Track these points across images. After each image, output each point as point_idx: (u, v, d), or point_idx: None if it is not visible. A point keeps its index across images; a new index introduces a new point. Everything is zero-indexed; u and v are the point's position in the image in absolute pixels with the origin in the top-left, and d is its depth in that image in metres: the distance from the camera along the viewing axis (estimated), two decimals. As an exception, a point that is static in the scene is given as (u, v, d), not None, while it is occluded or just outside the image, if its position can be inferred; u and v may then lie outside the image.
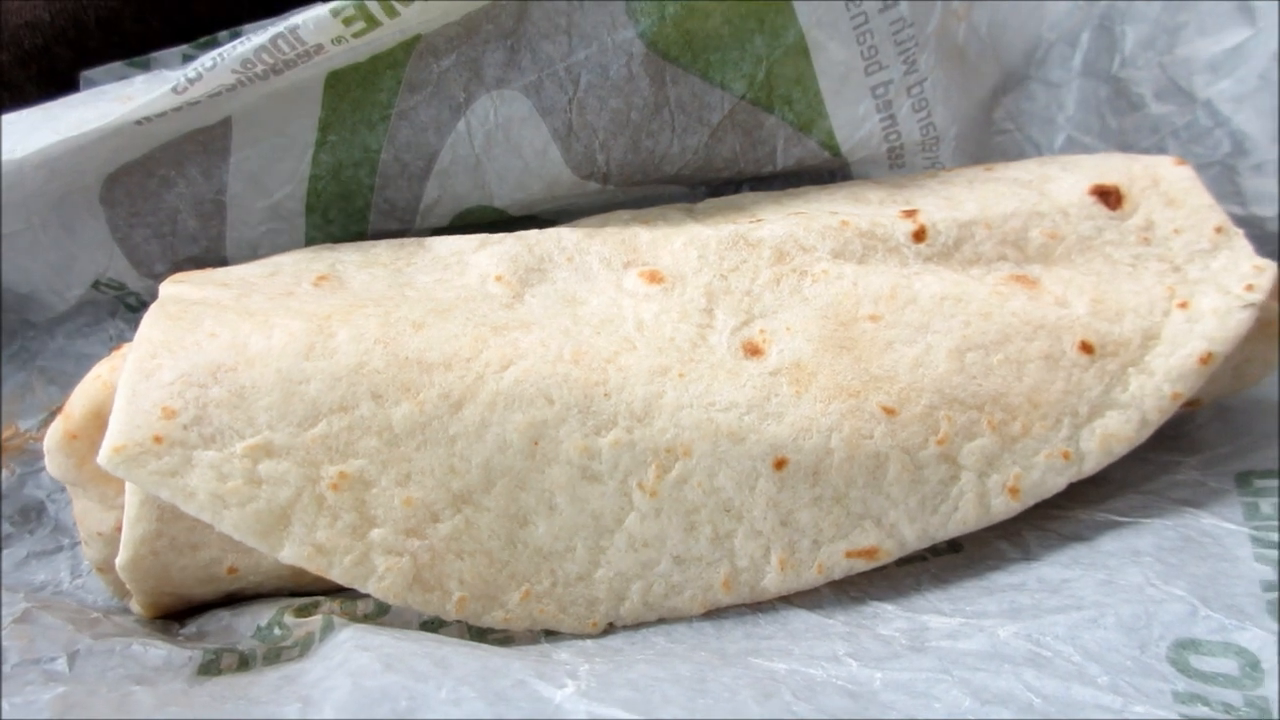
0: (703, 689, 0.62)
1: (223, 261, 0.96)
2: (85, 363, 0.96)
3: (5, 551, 0.87)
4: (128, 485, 0.72)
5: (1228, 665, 0.64)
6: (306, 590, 0.78)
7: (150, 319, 0.73)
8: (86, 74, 0.96)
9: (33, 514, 0.91)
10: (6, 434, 0.96)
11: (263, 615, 0.75)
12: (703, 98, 0.95)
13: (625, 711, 0.59)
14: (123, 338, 0.99)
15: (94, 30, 0.97)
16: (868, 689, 0.63)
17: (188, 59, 0.94)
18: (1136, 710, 0.60)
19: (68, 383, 0.96)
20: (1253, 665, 0.64)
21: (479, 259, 0.82)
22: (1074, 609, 0.70)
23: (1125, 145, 1.05)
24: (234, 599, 0.79)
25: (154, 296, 0.80)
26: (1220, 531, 0.76)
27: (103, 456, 0.67)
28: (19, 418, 0.97)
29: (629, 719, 0.58)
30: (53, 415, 0.96)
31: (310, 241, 0.97)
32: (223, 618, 0.77)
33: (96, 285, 0.97)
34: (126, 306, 0.99)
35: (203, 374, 0.70)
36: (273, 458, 0.69)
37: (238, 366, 0.70)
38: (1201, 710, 0.61)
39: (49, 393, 0.98)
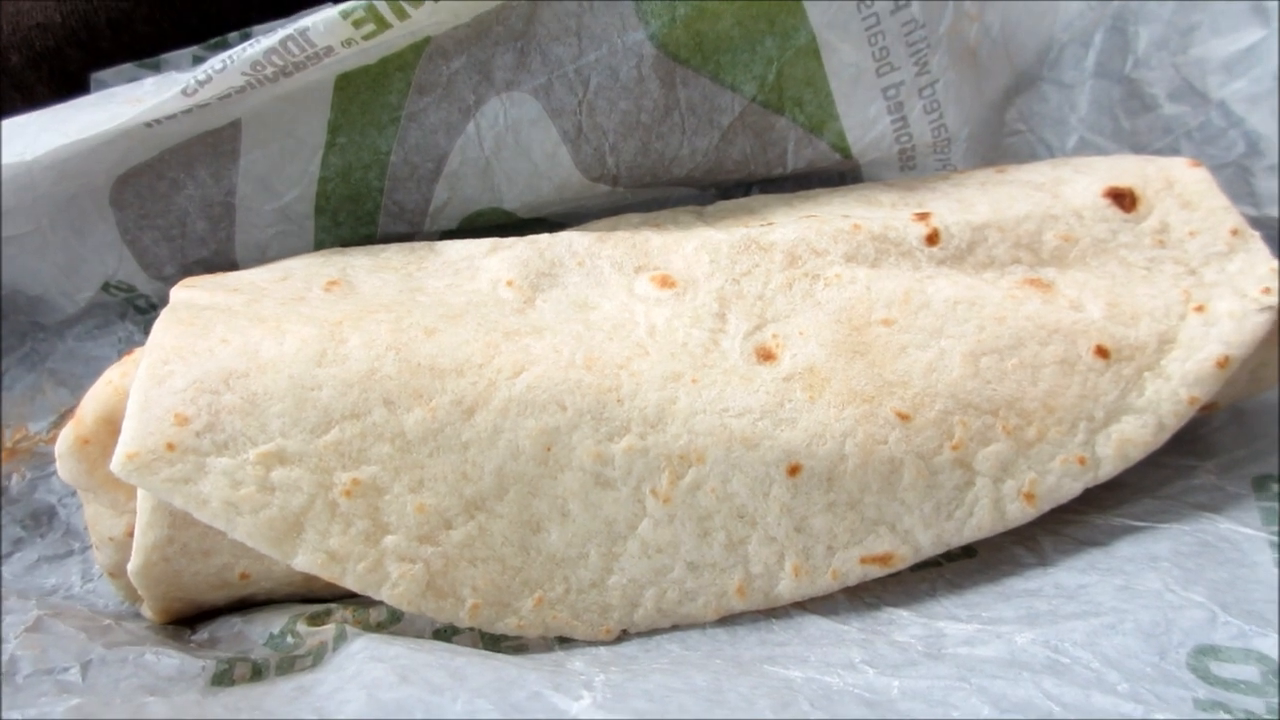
0: (720, 699, 0.62)
1: (232, 264, 0.95)
2: (95, 365, 0.95)
3: (16, 555, 0.87)
4: (140, 491, 0.71)
5: (1249, 672, 0.63)
6: (318, 597, 0.77)
7: (162, 325, 0.73)
8: (97, 75, 0.96)
9: (43, 518, 0.91)
10: (16, 437, 0.95)
11: (275, 623, 0.75)
12: (713, 99, 0.94)
13: (642, 723, 0.59)
14: (132, 340, 0.99)
15: (105, 32, 0.97)
16: (885, 698, 0.63)
17: (198, 61, 0.94)
18: (1158, 718, 0.60)
19: (77, 385, 0.97)
20: (1274, 672, 0.63)
21: (490, 263, 0.82)
22: (1092, 615, 0.69)
23: (1138, 146, 1.04)
24: (246, 605, 0.79)
25: (163, 299, 0.80)
26: (1238, 537, 0.75)
27: (116, 464, 0.67)
28: (29, 420, 0.97)
29: (646, 731, 0.58)
30: (63, 418, 0.96)
31: (319, 244, 0.96)
32: (234, 624, 0.77)
33: (106, 288, 0.96)
34: (136, 309, 0.99)
35: (215, 380, 0.69)
36: (285, 465, 0.68)
37: (250, 373, 0.70)
38: (1224, 717, 0.60)
39: (58, 395, 0.98)
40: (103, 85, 0.95)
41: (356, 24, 0.81)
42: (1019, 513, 0.75)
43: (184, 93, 0.81)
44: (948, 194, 0.89)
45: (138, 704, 0.62)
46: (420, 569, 0.69)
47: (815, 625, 0.73)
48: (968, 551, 0.79)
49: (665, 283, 0.80)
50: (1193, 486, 0.83)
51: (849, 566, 0.74)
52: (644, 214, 0.92)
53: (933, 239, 0.83)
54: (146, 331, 0.75)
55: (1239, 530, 0.76)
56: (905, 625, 0.72)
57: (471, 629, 0.72)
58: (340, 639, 0.69)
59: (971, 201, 0.87)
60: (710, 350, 0.76)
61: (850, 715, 0.61)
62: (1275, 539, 0.74)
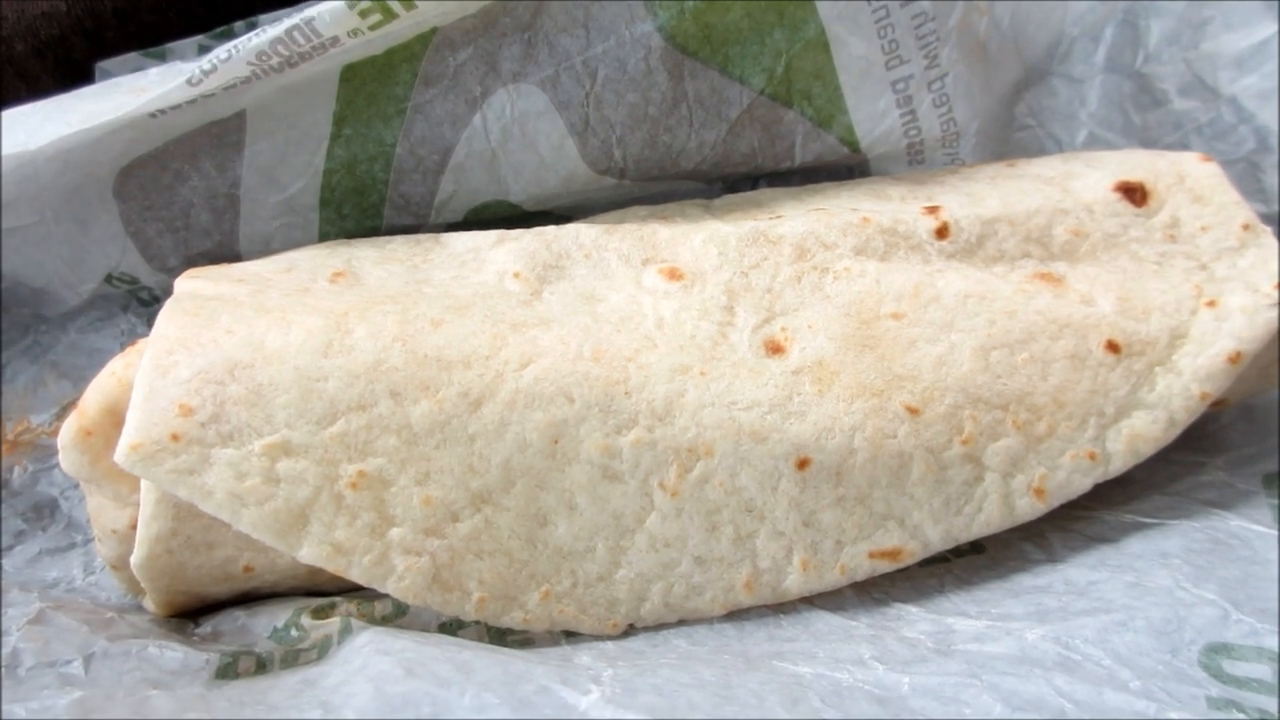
0: (729, 695, 0.61)
1: (236, 256, 0.95)
2: (97, 357, 0.95)
3: (18, 548, 0.86)
4: (144, 483, 0.71)
5: (1261, 671, 0.63)
6: (323, 590, 0.77)
7: (166, 315, 0.73)
8: (102, 65, 0.95)
9: (45, 511, 0.90)
10: (18, 429, 0.95)
11: (279, 616, 0.74)
12: (721, 92, 0.94)
13: (651, 719, 0.58)
14: (135, 332, 0.98)
15: (110, 21, 0.96)
16: (896, 694, 0.63)
17: (203, 50, 0.94)
18: (1171, 716, 0.59)
19: (80, 377, 0.96)
20: None
21: (497, 255, 0.81)
22: (1102, 612, 0.69)
23: (1148, 141, 1.04)
24: (249, 598, 0.78)
25: (167, 291, 0.79)
26: (1249, 534, 0.75)
27: (120, 454, 0.66)
28: (31, 413, 0.96)
29: (655, 726, 0.58)
30: (65, 410, 0.95)
31: (324, 236, 0.96)
32: (238, 617, 0.76)
33: (109, 279, 0.96)
34: (139, 301, 0.98)
35: (220, 371, 0.69)
36: (291, 456, 0.68)
37: (255, 364, 0.69)
38: (1237, 716, 0.60)
39: (61, 387, 0.97)
40: (107, 75, 0.95)
41: (363, 14, 0.80)
42: (1028, 508, 0.75)
43: (189, 83, 0.81)
44: (957, 188, 0.89)
45: (141, 697, 0.62)
46: (426, 562, 0.69)
47: (823, 621, 0.73)
48: (976, 547, 0.78)
49: (673, 275, 0.79)
50: (1202, 483, 0.82)
51: (857, 561, 0.73)
52: (651, 207, 0.91)
53: (942, 232, 0.82)
54: (149, 324, 0.74)
55: (1250, 527, 0.76)
56: (914, 621, 0.72)
57: (477, 622, 0.72)
58: (345, 632, 0.69)
59: (981, 195, 0.86)
60: (719, 343, 0.75)
61: (862, 712, 0.61)
62: (1286, 537, 0.74)
